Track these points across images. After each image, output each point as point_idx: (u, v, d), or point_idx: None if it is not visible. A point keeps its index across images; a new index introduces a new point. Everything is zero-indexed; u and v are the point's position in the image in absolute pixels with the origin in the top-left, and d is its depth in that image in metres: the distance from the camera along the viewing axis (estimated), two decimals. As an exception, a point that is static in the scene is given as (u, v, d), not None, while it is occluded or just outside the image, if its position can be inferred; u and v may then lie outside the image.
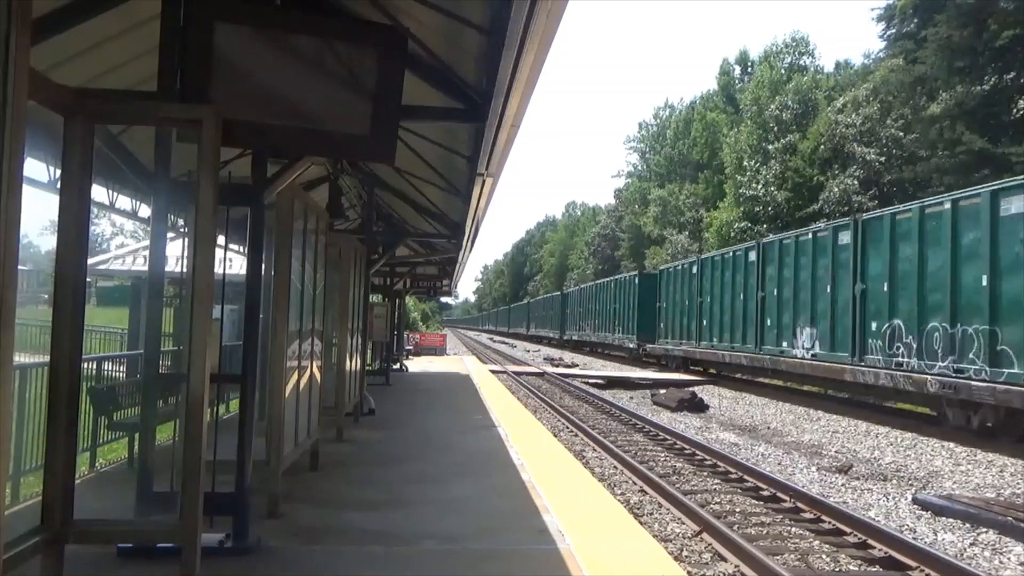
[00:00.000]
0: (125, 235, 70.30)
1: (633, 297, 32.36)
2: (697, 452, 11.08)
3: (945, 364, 13.06)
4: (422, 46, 5.55)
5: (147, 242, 7.10)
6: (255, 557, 4.55)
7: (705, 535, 6.78)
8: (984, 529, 7.25)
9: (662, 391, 19.50)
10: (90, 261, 10.82)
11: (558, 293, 56.91)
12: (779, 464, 10.67)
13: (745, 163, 37.80)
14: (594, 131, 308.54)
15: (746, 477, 9.28)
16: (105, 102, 4.04)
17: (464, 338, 79.12)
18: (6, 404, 2.49)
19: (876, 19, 32.80)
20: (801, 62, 43.03)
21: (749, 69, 51.62)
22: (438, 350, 34.74)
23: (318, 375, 7.06)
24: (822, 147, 32.96)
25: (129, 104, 4.54)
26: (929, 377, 13.27)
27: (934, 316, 13.43)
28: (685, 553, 6.39)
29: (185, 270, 4.77)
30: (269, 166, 4.98)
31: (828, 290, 16.89)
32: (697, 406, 17.14)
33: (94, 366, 8.02)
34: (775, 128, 36.92)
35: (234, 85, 4.35)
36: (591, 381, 23.00)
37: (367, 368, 13.39)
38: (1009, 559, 6.46)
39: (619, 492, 8.61)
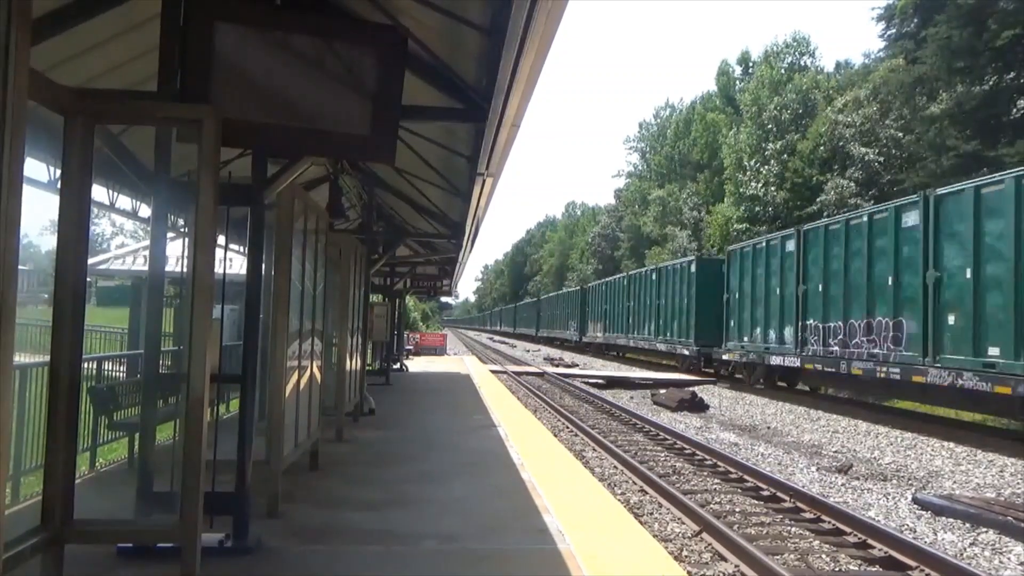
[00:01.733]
0: (125, 235, 70.49)
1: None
2: (697, 452, 11.08)
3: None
4: (422, 46, 5.55)
5: (147, 242, 7.10)
6: (255, 557, 4.55)
7: (705, 535, 6.78)
8: (984, 529, 7.26)
9: (662, 391, 19.50)
10: (90, 261, 10.83)
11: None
12: (779, 464, 10.67)
13: (745, 163, 37.83)
14: (594, 131, 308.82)
15: (746, 477, 9.28)
16: (105, 102, 4.04)
17: (464, 338, 79.13)
18: (6, 404, 2.49)
19: (876, 19, 32.87)
20: (802, 62, 43.07)
21: (750, 69, 51.64)
22: (438, 350, 34.72)
23: (318, 375, 7.06)
24: (822, 147, 32.96)
25: (129, 104, 4.54)
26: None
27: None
28: (685, 553, 6.39)
29: (185, 270, 4.77)
30: (269, 166, 4.98)
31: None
32: (697, 406, 17.15)
33: (94, 366, 8.02)
34: (773, 129, 36.95)
35: (234, 85, 4.35)
36: (591, 381, 23.00)
37: (367, 368, 13.39)
38: (1009, 559, 6.46)
39: (619, 492, 8.61)
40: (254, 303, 4.80)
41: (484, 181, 7.70)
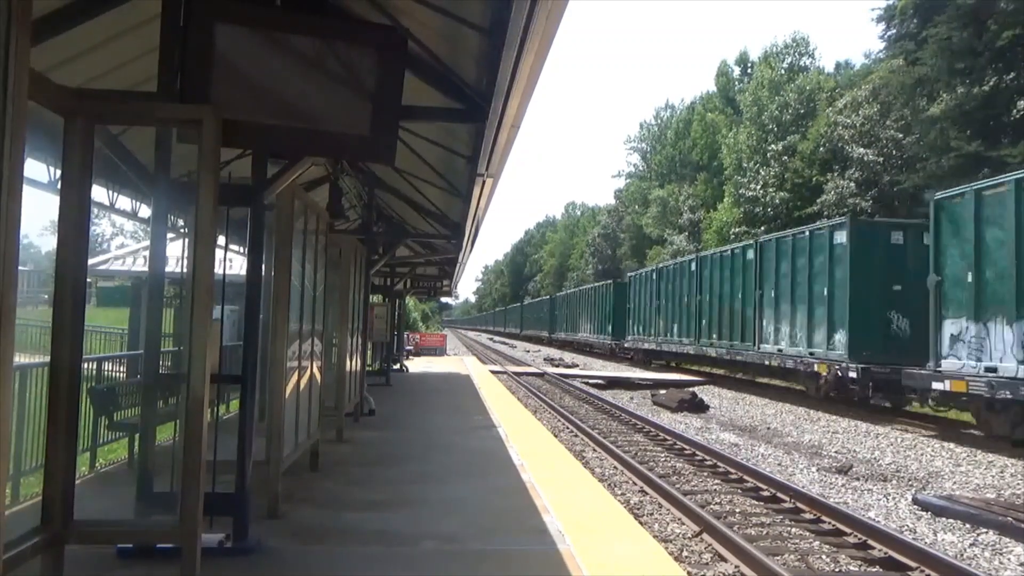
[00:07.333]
0: (125, 235, 70.43)
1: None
2: (697, 452, 11.07)
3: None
4: (422, 46, 5.55)
5: (147, 242, 7.10)
6: (255, 557, 4.55)
7: (705, 535, 6.78)
8: (984, 530, 7.26)
9: (662, 391, 19.51)
10: (90, 261, 10.83)
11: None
12: (779, 464, 10.66)
13: (744, 164, 37.82)
14: (594, 131, 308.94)
15: (746, 477, 9.28)
16: (105, 102, 4.04)
17: (464, 338, 79.11)
18: (6, 404, 2.49)
19: (876, 20, 32.76)
20: (802, 63, 43.04)
21: (748, 70, 51.61)
22: (438, 350, 34.75)
23: (318, 375, 7.06)
24: (822, 148, 32.95)
25: (129, 104, 4.54)
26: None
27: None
28: (685, 553, 6.39)
29: (185, 270, 4.78)
30: (269, 166, 4.99)
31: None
32: (697, 406, 17.14)
33: (94, 366, 8.03)
34: (774, 129, 36.93)
35: (234, 85, 4.35)
36: (591, 382, 23.00)
37: (367, 368, 13.40)
38: (1009, 560, 6.46)
39: (619, 492, 8.61)
40: (254, 303, 4.80)
41: (484, 182, 7.70)
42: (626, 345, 33.90)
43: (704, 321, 24.21)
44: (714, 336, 23.22)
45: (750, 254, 20.95)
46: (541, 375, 26.08)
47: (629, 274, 37.77)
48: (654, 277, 30.53)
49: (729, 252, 22.95)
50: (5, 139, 2.34)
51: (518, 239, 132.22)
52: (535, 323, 64.75)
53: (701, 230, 44.93)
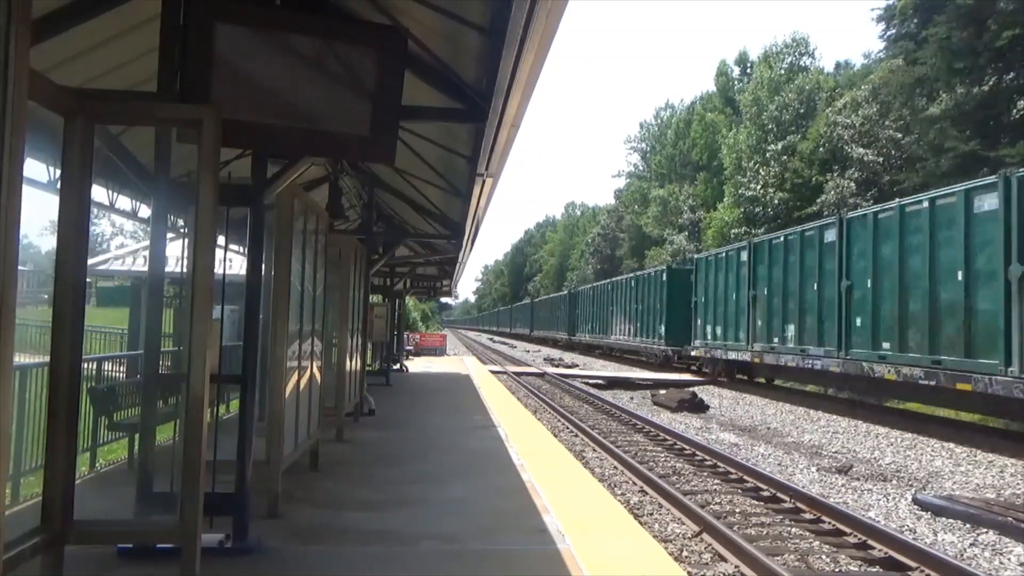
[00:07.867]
0: (125, 235, 70.50)
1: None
2: (697, 452, 11.07)
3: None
4: (422, 46, 5.55)
5: (147, 242, 7.11)
6: (255, 557, 4.55)
7: (705, 535, 6.78)
8: (984, 530, 7.25)
9: (662, 391, 19.51)
10: (90, 261, 10.83)
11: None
12: (779, 464, 10.66)
13: (744, 164, 37.83)
14: (594, 131, 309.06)
15: (746, 477, 9.28)
16: (105, 102, 4.04)
17: (464, 338, 79.12)
18: (6, 404, 2.49)
19: (876, 19, 32.77)
20: (802, 63, 43.06)
21: (748, 70, 51.64)
22: (438, 350, 34.75)
23: (318, 375, 7.06)
24: (821, 148, 32.98)
25: (129, 104, 4.53)
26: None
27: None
28: (685, 553, 6.39)
29: (185, 270, 4.78)
30: (269, 166, 4.99)
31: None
32: (697, 406, 17.15)
33: (94, 366, 8.03)
34: (774, 129, 36.95)
35: (234, 85, 4.35)
36: (591, 382, 23.00)
37: (367, 368, 13.40)
38: (1009, 559, 6.46)
39: (619, 492, 8.61)
40: (254, 303, 4.80)
41: (484, 181, 7.70)
42: (692, 352, 25.55)
43: (859, 321, 15.73)
44: (885, 345, 14.67)
45: (988, 202, 11.93)
46: (541, 375, 26.08)
47: (696, 256, 28.96)
48: (743, 258, 21.32)
49: (926, 204, 13.47)
50: (5, 139, 2.34)
51: (518, 239, 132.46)
52: (549, 323, 55.63)
53: (701, 230, 44.95)
